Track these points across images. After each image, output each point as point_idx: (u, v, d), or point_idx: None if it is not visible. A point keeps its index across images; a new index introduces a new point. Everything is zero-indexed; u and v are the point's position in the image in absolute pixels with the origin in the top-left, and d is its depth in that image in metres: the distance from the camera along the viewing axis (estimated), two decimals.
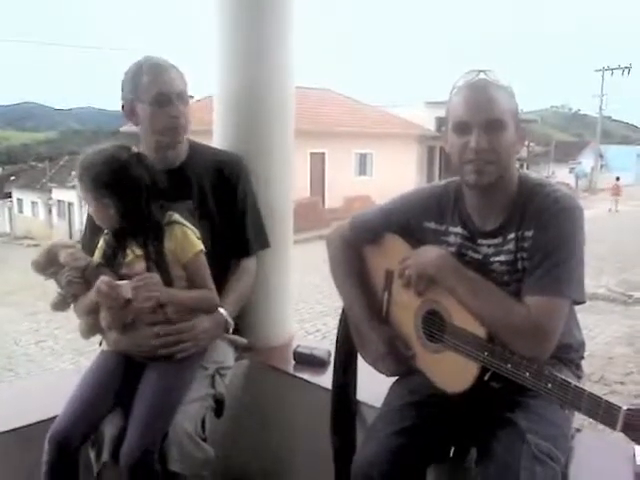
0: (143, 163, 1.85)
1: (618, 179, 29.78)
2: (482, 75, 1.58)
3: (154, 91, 2.00)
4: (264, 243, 2.28)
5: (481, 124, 1.53)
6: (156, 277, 1.81)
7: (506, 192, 1.60)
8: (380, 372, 1.86)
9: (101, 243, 1.92)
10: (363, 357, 1.94)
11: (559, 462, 1.48)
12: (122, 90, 2.08)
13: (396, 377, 1.86)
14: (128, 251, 1.88)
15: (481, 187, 1.58)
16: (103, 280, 1.78)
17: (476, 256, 1.65)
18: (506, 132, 1.54)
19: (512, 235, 1.58)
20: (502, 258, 1.60)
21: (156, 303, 1.80)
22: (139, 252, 1.86)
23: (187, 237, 1.88)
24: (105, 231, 1.93)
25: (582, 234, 1.53)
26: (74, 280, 1.83)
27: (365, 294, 1.88)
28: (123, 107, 2.09)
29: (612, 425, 1.29)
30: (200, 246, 1.90)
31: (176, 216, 1.90)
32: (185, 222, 1.90)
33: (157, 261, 1.84)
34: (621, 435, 1.31)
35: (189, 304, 1.90)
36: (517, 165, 1.66)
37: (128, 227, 1.85)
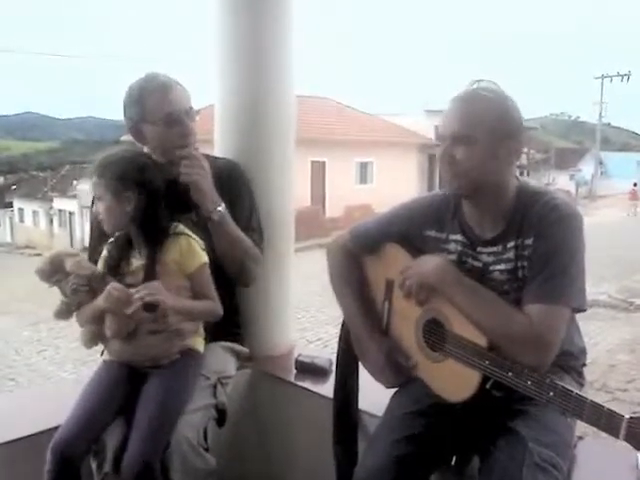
0: (158, 169, 1.93)
1: (635, 185, 30.11)
2: (475, 86, 1.58)
3: (163, 112, 2.01)
4: (263, 249, 2.27)
5: (450, 137, 1.56)
6: (160, 285, 1.81)
7: (500, 202, 1.60)
8: (380, 383, 1.86)
9: (104, 253, 1.93)
10: (364, 366, 1.94)
11: (561, 470, 1.47)
12: (126, 110, 2.07)
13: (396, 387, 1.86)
14: (133, 260, 1.89)
15: (455, 196, 1.65)
16: (114, 285, 1.79)
17: (476, 264, 1.65)
18: (474, 147, 1.53)
19: (512, 243, 1.59)
20: (502, 267, 1.60)
21: (161, 307, 1.81)
22: (142, 261, 1.88)
23: (192, 248, 1.89)
24: (109, 240, 1.94)
25: (582, 241, 1.53)
26: (80, 288, 1.83)
27: (365, 305, 1.89)
28: (129, 129, 2.09)
29: (615, 434, 1.29)
30: (205, 258, 1.92)
31: (181, 227, 1.93)
32: (190, 233, 1.92)
33: (158, 270, 1.85)
34: (624, 443, 1.31)
35: (194, 314, 1.92)
36: (517, 173, 1.66)
37: (139, 228, 1.87)
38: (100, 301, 1.80)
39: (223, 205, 2.06)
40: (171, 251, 1.87)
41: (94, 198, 2.01)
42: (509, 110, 1.56)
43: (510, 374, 1.47)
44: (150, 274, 1.85)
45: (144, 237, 1.89)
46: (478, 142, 1.53)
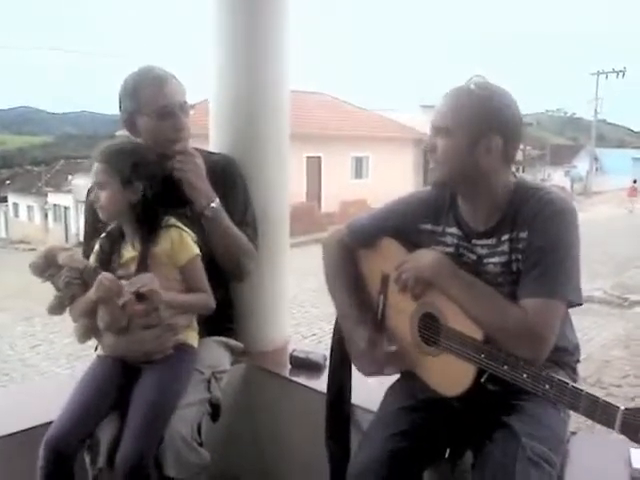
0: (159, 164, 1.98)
1: (635, 182, 30.56)
2: (471, 81, 1.59)
3: (157, 105, 2.01)
4: (257, 244, 2.27)
5: (431, 128, 1.62)
6: (153, 277, 1.81)
7: (492, 195, 1.60)
8: (367, 375, 1.82)
9: (96, 248, 1.94)
10: (354, 364, 1.92)
11: (554, 465, 1.48)
12: (120, 102, 2.08)
13: (392, 380, 1.86)
14: (124, 252, 1.90)
15: (435, 184, 1.70)
16: (105, 275, 1.80)
17: (472, 256, 1.66)
18: (449, 139, 1.57)
19: (506, 236, 1.59)
20: (496, 259, 1.61)
21: (155, 298, 1.81)
22: (133, 253, 1.88)
23: (184, 240, 1.90)
24: (101, 235, 1.94)
25: (577, 235, 1.54)
26: (72, 281, 1.83)
27: (358, 300, 1.87)
28: (124, 121, 2.09)
29: (610, 425, 1.30)
30: (196, 250, 1.92)
31: (173, 220, 1.94)
32: (182, 226, 1.93)
33: (150, 262, 1.86)
34: (616, 438, 1.31)
35: (186, 307, 1.92)
36: (513, 169, 1.66)
37: (136, 220, 1.89)
38: (92, 292, 1.80)
39: (217, 201, 2.05)
40: (162, 243, 1.88)
41: (90, 189, 2.02)
42: (495, 106, 1.55)
43: (506, 367, 1.48)
44: (142, 266, 1.86)
45: (139, 229, 1.89)
46: (453, 135, 1.56)
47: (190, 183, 2.03)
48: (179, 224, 1.93)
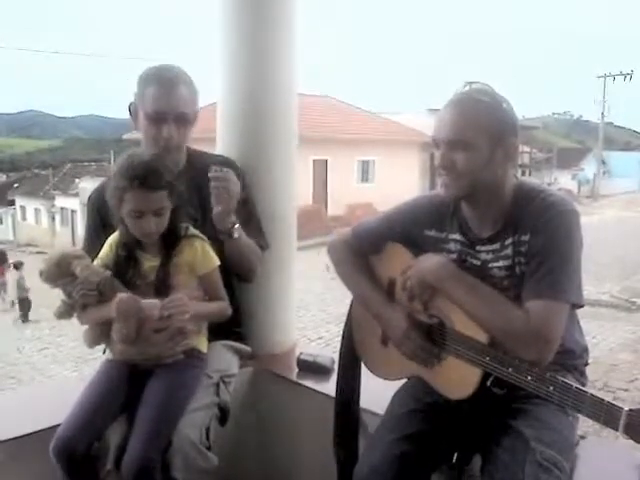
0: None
1: None
2: (467, 88, 1.58)
3: (152, 108, 2.01)
4: (264, 245, 2.27)
5: (445, 143, 1.57)
6: (184, 297, 1.80)
7: (498, 201, 1.60)
8: (405, 353, 1.75)
9: (105, 250, 1.92)
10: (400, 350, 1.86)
11: (564, 470, 1.47)
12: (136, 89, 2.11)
13: (404, 381, 1.85)
14: (142, 260, 1.87)
15: (452, 199, 1.66)
16: (122, 297, 1.76)
17: (475, 262, 1.66)
18: (471, 151, 1.54)
19: (509, 240, 1.59)
20: (500, 264, 1.61)
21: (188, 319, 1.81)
22: (154, 262, 1.86)
23: (207, 252, 1.91)
24: (112, 238, 1.92)
25: (578, 237, 1.53)
26: (89, 293, 1.81)
27: (376, 282, 1.86)
28: (129, 105, 2.12)
29: (614, 426, 1.30)
30: (218, 261, 1.93)
31: (193, 229, 1.93)
32: (202, 236, 1.92)
33: (172, 271, 1.85)
34: (626, 442, 1.31)
35: (209, 316, 1.94)
36: (519, 172, 1.66)
37: (164, 233, 1.86)
38: (110, 309, 1.77)
39: (237, 219, 2.05)
40: (185, 253, 1.87)
41: (93, 193, 2.03)
42: (503, 112, 1.56)
43: (510, 370, 1.48)
44: (162, 275, 1.85)
45: (162, 239, 1.87)
46: (476, 147, 1.54)
47: (223, 201, 1.99)
48: (200, 235, 1.92)
